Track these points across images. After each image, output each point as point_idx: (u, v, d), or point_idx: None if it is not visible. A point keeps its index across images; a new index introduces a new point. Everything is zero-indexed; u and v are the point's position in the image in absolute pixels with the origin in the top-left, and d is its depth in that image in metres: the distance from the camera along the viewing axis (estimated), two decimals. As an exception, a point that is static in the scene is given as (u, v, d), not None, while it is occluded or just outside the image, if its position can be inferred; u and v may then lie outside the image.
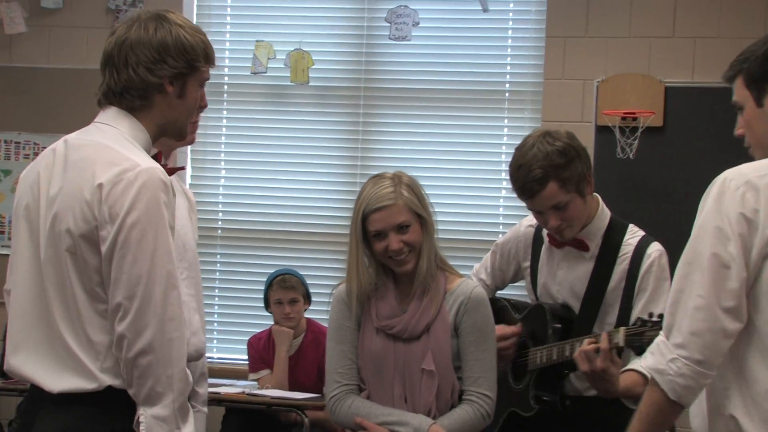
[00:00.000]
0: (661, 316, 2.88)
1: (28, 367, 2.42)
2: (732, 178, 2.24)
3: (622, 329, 2.91)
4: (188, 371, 2.39)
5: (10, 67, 6.34)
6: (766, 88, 2.34)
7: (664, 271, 3.12)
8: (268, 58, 6.16)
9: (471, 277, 3.54)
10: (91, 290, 2.36)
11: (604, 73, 5.79)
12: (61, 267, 2.37)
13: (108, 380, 2.35)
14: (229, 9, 6.38)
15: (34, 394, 2.45)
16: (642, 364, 2.22)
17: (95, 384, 2.35)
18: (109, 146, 2.39)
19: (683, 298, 2.24)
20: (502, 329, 3.35)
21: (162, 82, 2.45)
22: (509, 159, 6.04)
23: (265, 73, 6.18)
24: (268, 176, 6.27)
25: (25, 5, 6.28)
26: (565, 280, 3.26)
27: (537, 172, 3.10)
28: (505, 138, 6.09)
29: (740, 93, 2.39)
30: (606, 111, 5.69)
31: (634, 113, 5.62)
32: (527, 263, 3.40)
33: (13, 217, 2.55)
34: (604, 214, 3.25)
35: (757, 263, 2.20)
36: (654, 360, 2.27)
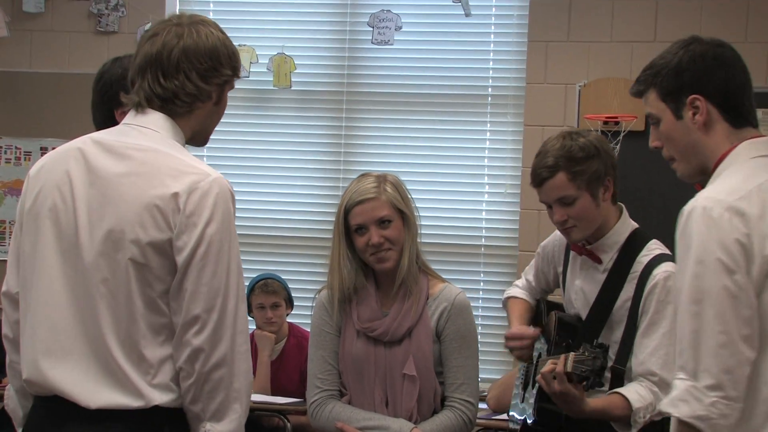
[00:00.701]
0: (601, 345, 2.89)
1: (59, 377, 2.28)
2: (711, 207, 2.19)
3: (571, 354, 2.89)
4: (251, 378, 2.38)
5: (-9, 71, 6.32)
6: (683, 100, 2.34)
7: (668, 294, 2.96)
8: (251, 63, 6.16)
9: (522, 278, 3.49)
10: (151, 301, 2.27)
11: (586, 78, 5.81)
12: (119, 276, 2.26)
13: (156, 398, 2.27)
14: (211, 13, 6.37)
15: (58, 409, 2.30)
16: (675, 412, 2.17)
17: (141, 402, 2.26)
18: (166, 152, 2.33)
19: (703, 338, 2.17)
20: (519, 329, 3.27)
21: (212, 90, 2.43)
22: (492, 163, 6.14)
23: (248, 77, 6.17)
24: (250, 180, 6.26)
25: (6, 9, 6.25)
26: (581, 289, 3.19)
27: (549, 160, 3.08)
28: (487, 142, 6.09)
29: (655, 106, 2.39)
30: (588, 115, 5.70)
31: (616, 117, 5.64)
32: (560, 268, 3.33)
33: (25, 215, 2.40)
34: (625, 227, 3.14)
35: (758, 286, 2.18)
36: (691, 408, 2.17)
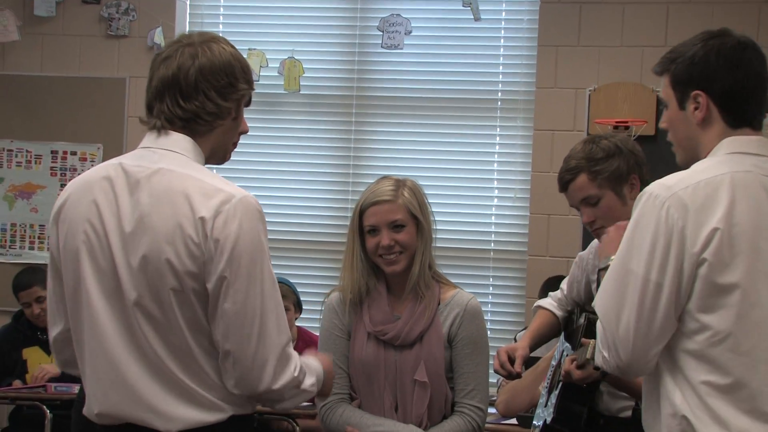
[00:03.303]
0: None
1: (129, 407, 2.30)
2: (658, 193, 2.27)
3: (592, 341, 2.90)
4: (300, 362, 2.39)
5: (2, 75, 6.33)
6: (688, 93, 2.37)
7: None
8: (261, 67, 6.17)
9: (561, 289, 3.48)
10: (197, 325, 2.28)
11: (596, 82, 5.81)
12: (162, 304, 2.27)
13: (231, 409, 2.31)
14: (221, 17, 6.39)
15: None
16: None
17: (219, 415, 2.29)
18: (191, 175, 2.32)
19: (620, 317, 2.32)
20: (503, 360, 3.21)
21: (231, 107, 2.42)
22: (501, 167, 6.13)
23: (258, 81, 6.18)
24: (260, 184, 6.27)
25: (18, 13, 6.27)
26: None
27: (571, 163, 3.15)
28: (497, 147, 6.10)
29: (666, 91, 2.43)
30: (598, 120, 5.70)
31: (626, 122, 5.64)
32: (594, 276, 3.30)
33: (61, 252, 2.38)
34: None
35: (686, 280, 2.24)
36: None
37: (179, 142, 2.37)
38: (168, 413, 2.28)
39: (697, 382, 2.24)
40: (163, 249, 2.26)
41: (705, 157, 2.36)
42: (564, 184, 3.17)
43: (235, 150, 6.72)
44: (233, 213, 2.28)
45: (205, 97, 2.37)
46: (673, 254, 2.23)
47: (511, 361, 3.19)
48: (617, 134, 3.22)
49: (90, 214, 2.33)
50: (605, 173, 3.10)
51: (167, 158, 2.35)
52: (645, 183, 3.14)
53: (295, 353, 2.38)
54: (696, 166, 2.33)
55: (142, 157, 2.38)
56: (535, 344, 3.33)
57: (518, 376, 3.21)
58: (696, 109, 2.36)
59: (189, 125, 2.38)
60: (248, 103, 2.52)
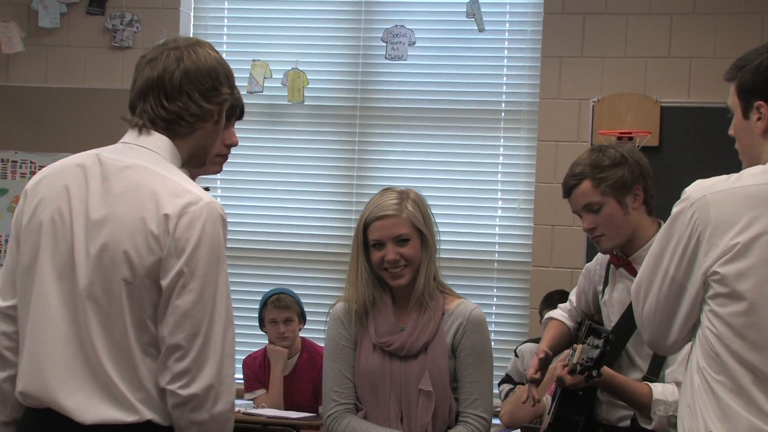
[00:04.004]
0: (607, 337, 2.92)
1: (55, 393, 2.31)
2: (689, 194, 2.34)
3: (579, 346, 2.94)
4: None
5: (7, 86, 6.34)
6: (752, 103, 2.35)
7: None
8: (265, 78, 6.18)
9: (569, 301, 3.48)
10: (140, 322, 2.30)
11: (600, 93, 5.81)
12: (112, 294, 2.29)
13: (148, 413, 2.31)
14: (225, 29, 6.40)
15: (54, 423, 2.33)
16: None
17: (135, 416, 2.29)
18: (163, 174, 2.35)
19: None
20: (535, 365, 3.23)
21: (214, 109, 2.46)
22: (505, 178, 6.14)
23: (262, 92, 6.19)
24: (263, 195, 6.28)
25: (22, 25, 6.29)
26: (618, 300, 3.19)
27: (577, 169, 3.17)
28: (501, 158, 6.10)
29: (732, 99, 2.42)
30: (602, 131, 5.70)
31: (630, 133, 5.64)
32: (600, 287, 3.32)
33: (22, 228, 2.42)
34: None
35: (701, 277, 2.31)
36: None
37: (158, 141, 2.42)
38: (86, 405, 2.30)
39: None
40: (123, 240, 2.29)
41: None
42: (568, 190, 3.19)
43: (240, 161, 6.73)
44: (198, 215, 2.30)
45: (189, 98, 2.42)
46: (692, 257, 2.29)
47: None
48: (624, 145, 3.22)
49: (60, 197, 2.38)
50: (609, 181, 3.10)
51: (143, 155, 2.39)
52: (649, 194, 3.15)
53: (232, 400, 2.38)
54: (743, 172, 2.34)
55: (119, 151, 2.43)
56: (554, 353, 3.33)
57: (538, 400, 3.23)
58: (759, 119, 2.35)
59: (171, 126, 2.43)
60: (240, 116, 2.55)
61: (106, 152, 2.43)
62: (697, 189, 2.32)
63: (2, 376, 2.47)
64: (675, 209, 2.35)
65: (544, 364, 3.21)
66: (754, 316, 2.22)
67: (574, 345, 3.07)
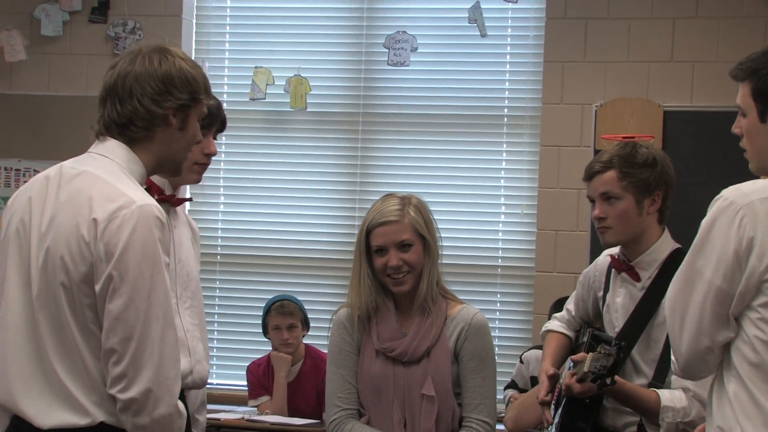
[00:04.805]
0: (619, 344, 2.88)
1: (17, 399, 2.37)
2: (733, 200, 2.26)
3: (590, 354, 2.91)
4: (181, 406, 2.37)
5: (10, 94, 6.35)
6: None
7: None
8: (267, 84, 6.18)
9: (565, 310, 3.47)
10: (84, 327, 2.32)
11: (603, 98, 5.81)
12: (56, 300, 2.33)
13: (101, 416, 2.32)
14: (227, 36, 6.40)
15: (19, 428, 2.39)
16: None
17: (88, 419, 2.32)
18: (104, 179, 2.37)
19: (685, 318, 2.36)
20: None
21: (167, 114, 2.45)
22: (508, 183, 6.13)
23: (264, 99, 6.19)
24: (267, 202, 6.27)
25: (25, 33, 6.30)
26: (621, 306, 3.18)
27: (605, 156, 3.17)
28: (503, 162, 6.09)
29: (745, 101, 2.39)
30: (605, 135, 5.69)
31: (633, 137, 5.62)
32: (601, 293, 3.31)
33: (1, 242, 2.50)
34: (665, 245, 3.15)
35: (750, 291, 2.25)
36: None
37: (113, 148, 2.45)
38: (44, 411, 2.34)
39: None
40: (60, 247, 2.32)
41: None
42: (591, 174, 3.17)
43: (242, 168, 6.68)
44: (128, 218, 2.30)
45: (138, 102, 2.43)
46: (741, 263, 2.23)
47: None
48: (658, 148, 3.23)
49: (24, 209, 2.44)
50: (634, 178, 3.11)
51: (97, 162, 2.42)
52: (666, 204, 3.14)
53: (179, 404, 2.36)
54: None
55: (79, 160, 2.47)
56: (557, 367, 3.32)
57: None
58: None
59: (124, 132, 2.45)
60: (221, 128, 2.55)
61: (68, 162, 2.47)
62: (739, 194, 2.26)
63: None
64: (711, 215, 2.29)
65: (553, 383, 3.20)
66: None
67: (571, 357, 3.05)
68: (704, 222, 2.31)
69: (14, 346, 2.39)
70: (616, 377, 2.97)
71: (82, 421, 2.32)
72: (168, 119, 2.46)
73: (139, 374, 2.28)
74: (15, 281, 2.41)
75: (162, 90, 2.44)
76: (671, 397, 2.98)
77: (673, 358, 2.40)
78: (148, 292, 2.30)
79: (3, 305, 2.43)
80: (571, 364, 3.22)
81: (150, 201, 2.36)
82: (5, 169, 6.31)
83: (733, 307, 2.26)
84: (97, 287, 2.30)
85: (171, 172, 2.58)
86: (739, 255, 2.23)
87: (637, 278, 3.14)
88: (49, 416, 2.33)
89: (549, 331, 3.44)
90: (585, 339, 3.24)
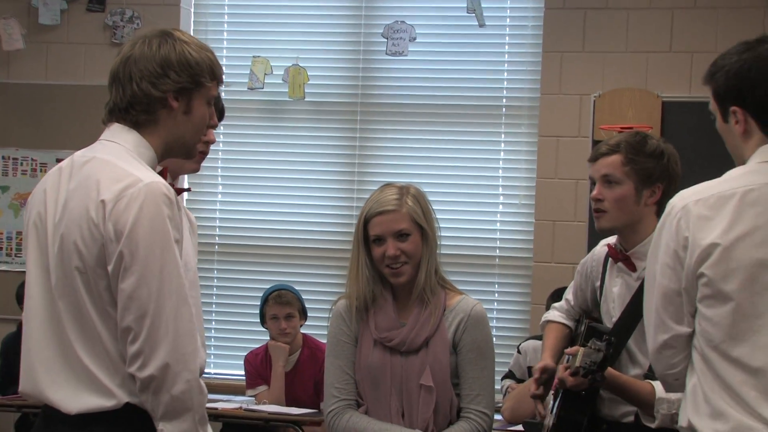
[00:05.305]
0: (609, 339, 2.91)
1: (44, 388, 2.39)
2: (674, 203, 2.40)
3: (581, 349, 2.93)
4: (202, 383, 2.39)
5: (7, 83, 6.34)
6: (727, 108, 2.43)
7: None
8: (265, 74, 6.17)
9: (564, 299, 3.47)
10: (102, 310, 2.33)
11: (601, 88, 5.80)
12: (73, 286, 2.34)
13: (126, 397, 2.33)
14: (226, 25, 6.40)
15: (49, 416, 2.41)
16: None
17: (114, 401, 2.33)
18: (111, 162, 2.38)
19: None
20: (540, 374, 3.22)
21: (165, 96, 2.44)
22: (506, 174, 6.13)
23: (262, 88, 6.18)
24: (264, 192, 6.27)
25: (23, 22, 6.29)
26: (618, 296, 3.18)
27: (614, 140, 3.17)
28: (502, 153, 6.09)
29: (712, 104, 2.50)
30: (603, 126, 5.69)
31: (631, 128, 5.62)
32: (598, 282, 3.30)
33: (24, 235, 2.53)
34: None
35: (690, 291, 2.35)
36: None
37: (120, 133, 2.45)
38: (70, 396, 2.35)
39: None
40: (73, 233, 2.34)
41: None
42: (596, 156, 3.18)
43: (240, 157, 6.69)
44: (136, 196, 2.31)
45: (137, 86, 2.43)
46: (682, 261, 2.33)
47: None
48: (669, 144, 3.23)
49: (39, 201, 2.46)
50: (638, 166, 3.11)
51: (106, 148, 2.43)
52: (666, 198, 3.14)
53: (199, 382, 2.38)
54: (725, 175, 2.41)
55: (90, 148, 2.48)
56: (556, 359, 3.32)
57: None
58: (737, 122, 2.42)
59: (125, 116, 2.46)
60: (219, 118, 2.61)
61: (80, 151, 2.49)
62: (679, 198, 2.39)
63: None
64: (660, 223, 2.42)
65: (548, 376, 3.20)
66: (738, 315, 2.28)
67: (568, 349, 3.05)
68: (656, 230, 2.44)
69: (38, 336, 2.40)
70: (611, 370, 2.98)
71: (108, 402, 2.33)
72: (167, 102, 2.45)
73: (155, 351, 2.28)
74: (36, 274, 2.43)
75: (159, 73, 2.43)
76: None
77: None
78: (160, 269, 2.30)
79: (27, 298, 2.45)
80: (568, 358, 3.22)
81: (157, 179, 2.36)
82: (3, 158, 6.30)
83: (685, 304, 2.35)
84: (110, 267, 2.30)
85: (183, 155, 2.57)
86: (678, 254, 2.33)
87: (633, 268, 3.14)
88: (76, 401, 2.34)
89: (548, 321, 3.44)
90: (582, 329, 3.24)
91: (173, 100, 2.45)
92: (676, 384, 2.45)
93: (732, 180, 2.36)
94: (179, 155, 2.56)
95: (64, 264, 2.35)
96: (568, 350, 3.09)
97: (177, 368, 2.30)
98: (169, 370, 2.29)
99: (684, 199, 2.37)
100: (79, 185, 2.37)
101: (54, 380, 2.37)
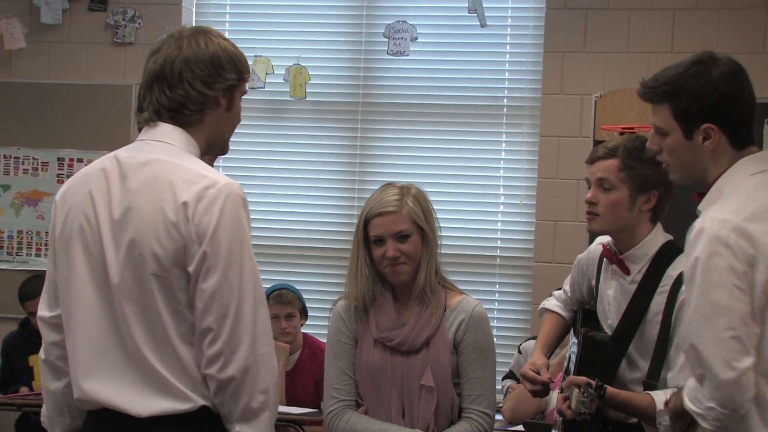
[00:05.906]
0: (600, 386, 2.88)
1: (108, 393, 2.36)
2: (719, 228, 2.35)
3: (575, 392, 2.90)
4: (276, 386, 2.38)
5: (9, 82, 6.34)
6: (697, 126, 2.44)
7: None
8: (267, 74, 6.18)
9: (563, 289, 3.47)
10: (176, 312, 2.32)
11: (603, 88, 5.80)
12: (144, 290, 2.32)
13: (201, 400, 2.33)
14: (227, 24, 6.40)
15: (113, 421, 2.37)
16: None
17: (189, 404, 2.32)
18: (176, 163, 2.37)
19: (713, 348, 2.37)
20: (531, 374, 3.20)
21: (218, 95, 2.46)
22: (507, 174, 6.13)
23: (263, 88, 6.19)
24: (265, 191, 6.28)
25: (25, 21, 6.29)
26: (614, 298, 3.16)
27: (612, 144, 3.14)
28: (503, 153, 6.09)
29: (666, 122, 2.49)
30: (604, 126, 5.69)
31: (632, 128, 5.61)
32: (593, 281, 3.30)
33: (56, 239, 2.46)
34: (656, 239, 3.11)
35: (759, 309, 2.35)
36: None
37: (170, 133, 2.44)
38: (139, 400, 2.33)
39: None
40: (147, 234, 2.32)
41: (711, 180, 2.46)
42: (593, 158, 3.15)
43: (241, 157, 6.72)
44: (215, 197, 2.32)
45: (190, 86, 2.43)
46: (752, 282, 2.33)
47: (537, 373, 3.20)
48: None
49: (85, 204, 2.42)
50: (634, 172, 3.07)
51: (159, 149, 2.42)
52: (661, 206, 3.13)
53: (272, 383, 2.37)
54: (734, 197, 2.40)
55: (136, 148, 2.45)
56: (548, 351, 3.32)
57: (550, 382, 3.20)
58: (706, 139, 2.43)
59: (176, 116, 2.45)
60: (242, 95, 2.57)
61: (123, 152, 2.46)
62: (721, 223, 2.35)
63: (59, 385, 2.53)
64: (702, 252, 2.35)
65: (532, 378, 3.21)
66: None
67: (562, 383, 3.04)
68: (700, 262, 2.37)
69: (98, 340, 2.37)
70: (611, 389, 2.94)
71: (183, 406, 2.32)
72: (218, 100, 2.47)
73: (235, 352, 2.29)
74: (87, 279, 2.39)
75: (212, 72, 2.45)
76: (666, 399, 2.97)
77: (702, 408, 2.42)
78: (240, 269, 2.32)
79: (76, 302, 2.40)
80: (572, 351, 3.22)
81: (231, 180, 2.38)
82: (4, 157, 6.31)
83: (757, 323, 2.34)
84: (191, 268, 2.30)
85: (219, 151, 2.58)
86: (747, 275, 2.32)
87: (627, 272, 3.13)
88: (147, 405, 2.32)
89: (545, 310, 3.44)
90: (579, 338, 3.22)
91: (222, 97, 2.47)
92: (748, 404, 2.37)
93: (754, 198, 2.38)
94: (216, 152, 2.58)
95: (135, 269, 2.33)
96: (565, 383, 3.05)
97: (255, 369, 2.31)
98: (248, 371, 2.30)
99: (727, 222, 2.34)
100: (145, 186, 2.35)
101: (119, 384, 2.35)
